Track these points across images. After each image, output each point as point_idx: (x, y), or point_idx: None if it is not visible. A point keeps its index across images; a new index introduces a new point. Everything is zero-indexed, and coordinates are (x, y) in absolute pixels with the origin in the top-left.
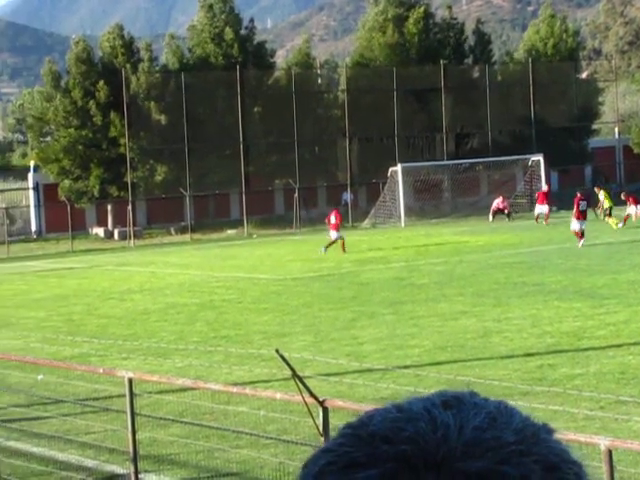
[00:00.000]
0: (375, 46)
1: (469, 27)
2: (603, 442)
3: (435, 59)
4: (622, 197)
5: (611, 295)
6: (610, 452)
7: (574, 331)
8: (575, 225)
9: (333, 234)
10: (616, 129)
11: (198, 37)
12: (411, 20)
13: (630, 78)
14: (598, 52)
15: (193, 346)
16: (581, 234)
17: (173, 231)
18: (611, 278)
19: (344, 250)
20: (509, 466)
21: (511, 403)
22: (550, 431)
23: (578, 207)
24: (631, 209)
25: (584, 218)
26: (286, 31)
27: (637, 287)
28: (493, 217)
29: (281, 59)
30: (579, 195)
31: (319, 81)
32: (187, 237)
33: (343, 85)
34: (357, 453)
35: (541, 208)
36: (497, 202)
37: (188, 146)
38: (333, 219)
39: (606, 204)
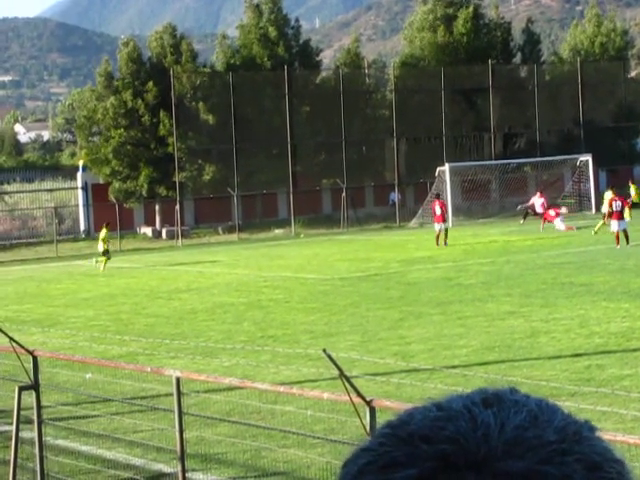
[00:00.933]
0: (424, 45)
1: (517, 27)
2: None
3: (483, 59)
4: None
5: None
6: None
7: (622, 331)
8: (614, 226)
9: (437, 226)
10: None
11: (245, 37)
12: (460, 20)
13: None
14: None
15: (240, 345)
16: (624, 234)
17: (221, 230)
18: None
19: (444, 243)
20: (551, 466)
21: (552, 401)
22: (592, 429)
23: (612, 207)
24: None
25: (622, 218)
26: (334, 31)
27: None
28: (524, 219)
29: (329, 59)
30: (612, 195)
31: (367, 81)
32: (234, 237)
33: (391, 85)
34: (397, 452)
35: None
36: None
37: (236, 146)
38: (438, 210)
39: (635, 198)
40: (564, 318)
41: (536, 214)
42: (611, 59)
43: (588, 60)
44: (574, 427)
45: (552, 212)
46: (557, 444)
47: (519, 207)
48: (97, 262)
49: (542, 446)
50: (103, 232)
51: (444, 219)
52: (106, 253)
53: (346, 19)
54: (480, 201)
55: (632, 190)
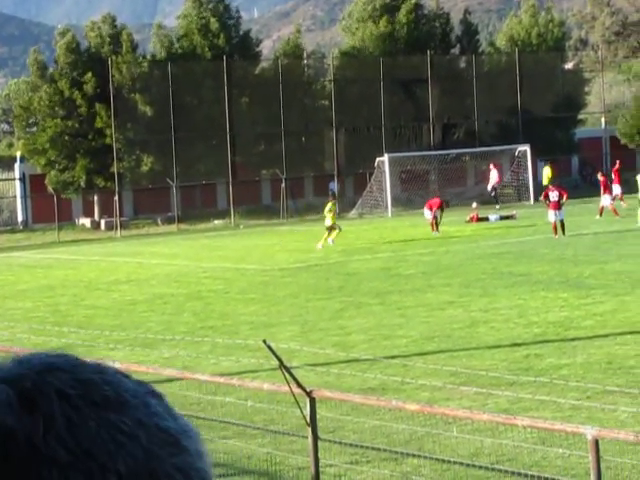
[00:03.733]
0: (364, 36)
1: (455, 17)
2: (590, 432)
3: (422, 49)
4: (599, 177)
5: (598, 285)
6: (597, 442)
7: (561, 321)
8: (552, 216)
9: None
10: (602, 119)
11: (186, 27)
12: (403, 11)
13: (617, 68)
14: (584, 42)
15: (180, 337)
16: (560, 225)
17: (160, 221)
18: (598, 268)
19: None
20: (33, 372)
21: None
22: (139, 382)
23: (548, 198)
24: (605, 200)
25: (559, 208)
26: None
27: (624, 277)
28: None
29: (268, 49)
30: (550, 186)
31: (306, 71)
32: (174, 227)
33: (330, 75)
34: None
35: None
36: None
37: (175, 137)
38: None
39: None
40: (503, 308)
41: (494, 189)
42: (549, 50)
43: (526, 51)
44: (95, 366)
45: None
46: (58, 364)
47: (492, 194)
48: None
49: (41, 364)
50: None
51: (439, 207)
52: None
53: (285, 9)
54: (419, 191)
55: (545, 170)
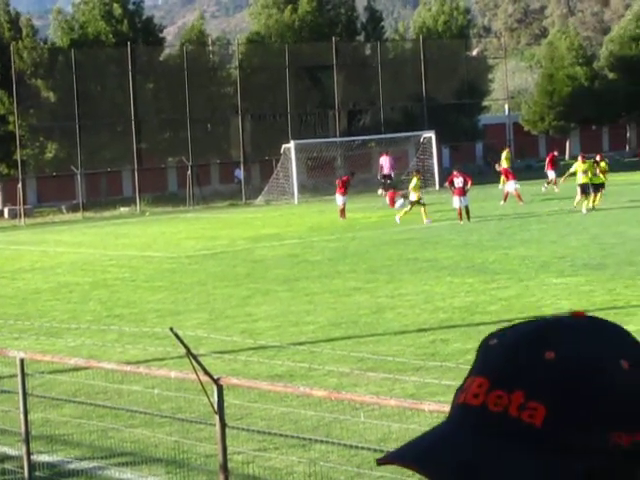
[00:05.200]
0: (271, 23)
1: (360, 4)
2: None
3: (328, 36)
4: (497, 169)
5: (502, 270)
6: None
7: (466, 306)
8: (456, 202)
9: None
10: (506, 106)
11: (89, 13)
12: None
13: (519, 55)
14: (488, 30)
15: (86, 325)
16: (465, 210)
17: (64, 209)
18: (502, 253)
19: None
20: None
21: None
22: None
23: (453, 184)
24: (509, 186)
25: (464, 194)
26: (177, 7)
27: (528, 262)
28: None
29: (172, 36)
30: (454, 172)
31: (211, 58)
32: (79, 215)
33: (236, 62)
34: None
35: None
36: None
37: (79, 123)
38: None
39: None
40: (409, 294)
41: (385, 177)
42: (453, 37)
43: (431, 38)
44: None
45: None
46: None
47: (382, 180)
48: None
49: None
50: None
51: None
52: None
53: None
54: (325, 178)
55: (503, 155)
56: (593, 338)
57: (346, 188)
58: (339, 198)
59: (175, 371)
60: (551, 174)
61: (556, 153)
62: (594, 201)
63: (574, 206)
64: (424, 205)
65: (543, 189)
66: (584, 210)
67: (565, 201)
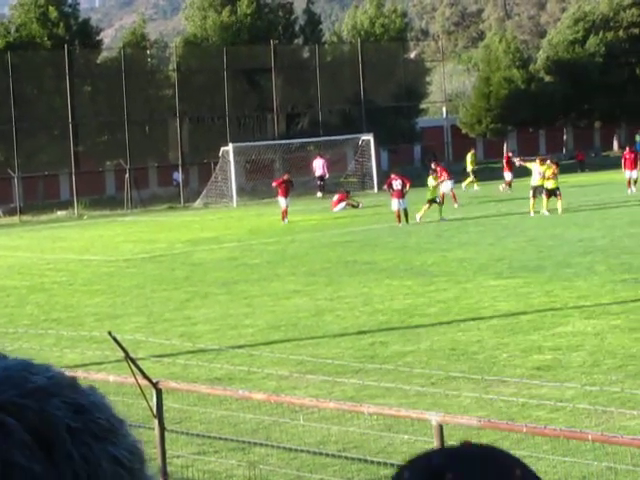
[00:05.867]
0: (208, 25)
1: (299, 7)
2: (434, 418)
3: (266, 39)
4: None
5: (441, 273)
6: (441, 427)
7: (405, 309)
8: (395, 205)
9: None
10: (444, 109)
11: (24, 16)
12: (245, 0)
13: (457, 58)
14: (425, 33)
15: (23, 329)
16: (404, 213)
17: (1, 213)
18: (440, 256)
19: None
20: (31, 399)
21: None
22: (94, 389)
23: (391, 187)
24: (445, 186)
25: (402, 197)
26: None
27: (466, 264)
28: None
29: (110, 38)
30: (393, 175)
31: (150, 60)
32: (16, 219)
33: (174, 65)
34: None
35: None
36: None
37: (16, 127)
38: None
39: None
40: (348, 296)
41: (319, 179)
42: (391, 40)
43: (368, 40)
44: (70, 381)
45: (335, 197)
46: (45, 386)
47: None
48: None
49: (26, 384)
50: None
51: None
52: None
53: None
54: (264, 181)
55: (468, 157)
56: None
57: (287, 190)
58: (282, 200)
59: (114, 375)
60: (508, 175)
61: (511, 154)
62: (549, 204)
63: (532, 211)
64: (432, 205)
65: (501, 189)
66: (545, 212)
67: (504, 203)
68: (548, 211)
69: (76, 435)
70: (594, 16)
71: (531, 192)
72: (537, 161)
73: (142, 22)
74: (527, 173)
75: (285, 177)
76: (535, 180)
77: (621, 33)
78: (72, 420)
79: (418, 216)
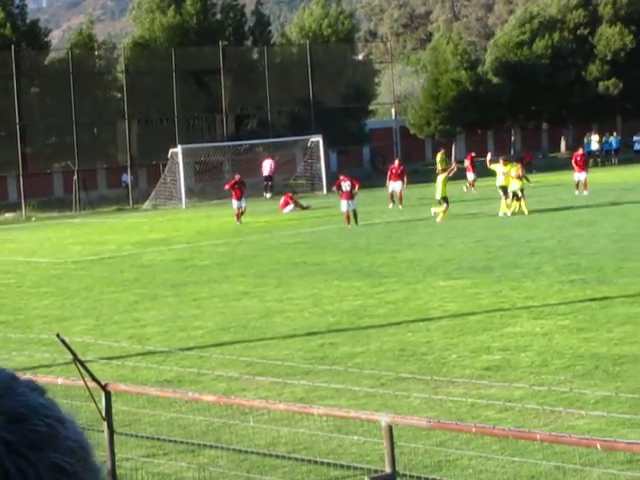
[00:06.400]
0: (156, 27)
1: (248, 8)
2: (384, 418)
3: (215, 40)
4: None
5: (390, 274)
6: (390, 428)
7: (355, 310)
8: (344, 206)
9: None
10: (393, 110)
11: None
12: (189, 1)
13: (405, 60)
14: (374, 34)
15: None
16: (353, 214)
17: None
18: (390, 257)
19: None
20: None
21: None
22: (32, 388)
23: (340, 188)
24: (396, 186)
25: (351, 198)
26: (62, 11)
27: (415, 265)
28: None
29: (58, 39)
30: (342, 176)
31: (98, 62)
32: None
33: (122, 66)
34: None
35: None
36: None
37: None
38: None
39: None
40: (298, 297)
41: (268, 179)
42: (339, 41)
43: (317, 42)
44: (6, 383)
45: (282, 199)
46: None
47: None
48: None
49: None
50: None
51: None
52: None
53: None
54: (213, 182)
55: (438, 156)
56: None
57: (241, 191)
58: (235, 203)
59: (62, 378)
60: (470, 176)
61: (474, 154)
62: (521, 206)
63: (507, 212)
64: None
65: (464, 189)
66: (508, 213)
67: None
68: (512, 213)
69: (12, 447)
70: (541, 17)
71: (501, 192)
72: (500, 161)
73: (90, 23)
74: (490, 174)
75: (236, 178)
76: (500, 180)
77: (567, 34)
78: (7, 432)
79: (438, 218)
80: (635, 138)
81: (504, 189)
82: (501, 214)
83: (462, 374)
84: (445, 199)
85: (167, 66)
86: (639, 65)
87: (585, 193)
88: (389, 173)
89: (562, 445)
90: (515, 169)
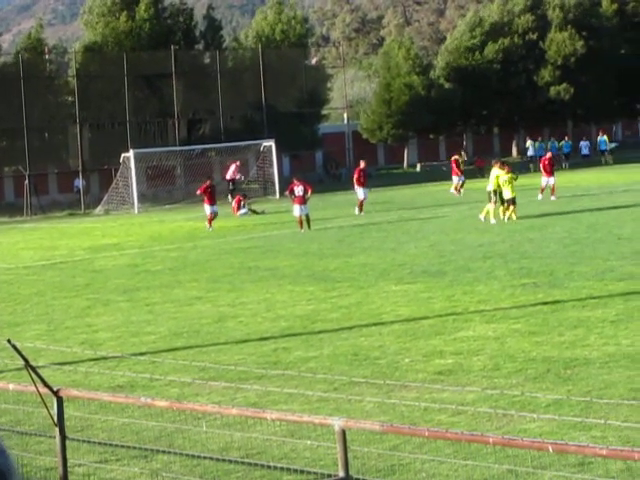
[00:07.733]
0: (107, 31)
1: (199, 13)
2: (337, 423)
3: (166, 44)
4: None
5: (343, 278)
6: (344, 432)
7: (307, 314)
8: (297, 211)
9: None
10: (345, 115)
11: None
12: (142, 5)
13: (358, 65)
14: (326, 39)
15: None
16: (306, 219)
17: None
18: (343, 261)
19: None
20: None
21: None
22: None
23: (293, 193)
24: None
25: (304, 202)
26: (12, 15)
27: (368, 270)
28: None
29: (8, 44)
30: (295, 181)
31: (48, 66)
32: None
33: (73, 71)
34: None
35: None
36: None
37: None
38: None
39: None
40: (251, 302)
41: (228, 182)
42: (292, 46)
43: (270, 47)
44: None
45: (233, 202)
46: None
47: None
48: None
49: None
50: None
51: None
52: None
53: (25, 3)
54: (165, 187)
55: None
56: None
57: (213, 195)
58: (207, 207)
59: (13, 383)
60: (455, 179)
61: (457, 157)
62: (511, 212)
63: (490, 217)
64: (514, 205)
65: (452, 191)
66: (492, 219)
67: (403, 210)
68: (495, 219)
69: None
70: (489, 22)
71: (491, 196)
72: (497, 166)
73: (39, 27)
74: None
75: (208, 183)
76: (491, 186)
77: (517, 39)
78: None
79: (491, 218)
80: (582, 143)
81: (494, 194)
82: (481, 217)
83: (415, 378)
84: (512, 199)
85: (119, 70)
86: (590, 70)
87: (553, 198)
88: (357, 176)
89: (514, 448)
90: (509, 176)
